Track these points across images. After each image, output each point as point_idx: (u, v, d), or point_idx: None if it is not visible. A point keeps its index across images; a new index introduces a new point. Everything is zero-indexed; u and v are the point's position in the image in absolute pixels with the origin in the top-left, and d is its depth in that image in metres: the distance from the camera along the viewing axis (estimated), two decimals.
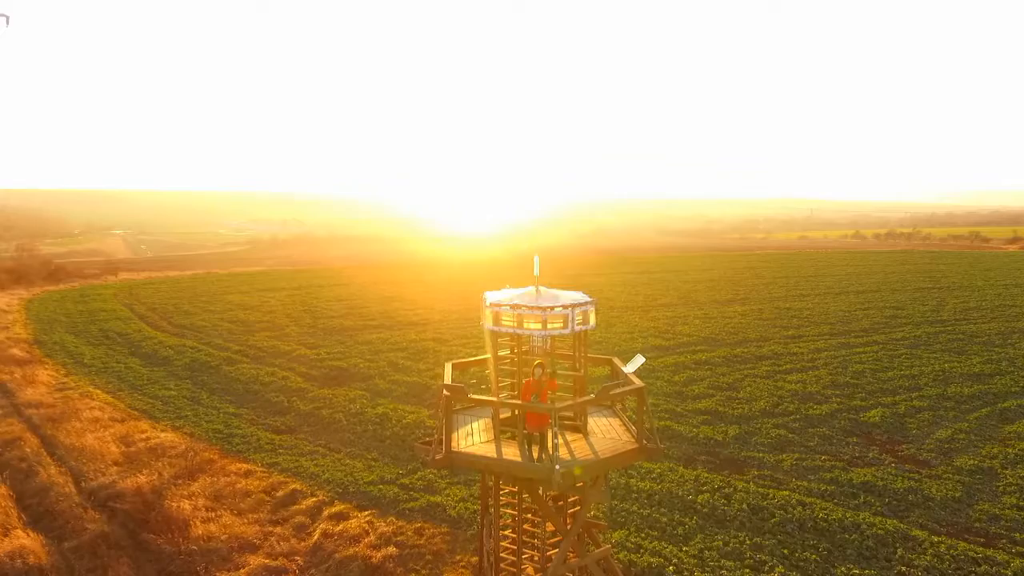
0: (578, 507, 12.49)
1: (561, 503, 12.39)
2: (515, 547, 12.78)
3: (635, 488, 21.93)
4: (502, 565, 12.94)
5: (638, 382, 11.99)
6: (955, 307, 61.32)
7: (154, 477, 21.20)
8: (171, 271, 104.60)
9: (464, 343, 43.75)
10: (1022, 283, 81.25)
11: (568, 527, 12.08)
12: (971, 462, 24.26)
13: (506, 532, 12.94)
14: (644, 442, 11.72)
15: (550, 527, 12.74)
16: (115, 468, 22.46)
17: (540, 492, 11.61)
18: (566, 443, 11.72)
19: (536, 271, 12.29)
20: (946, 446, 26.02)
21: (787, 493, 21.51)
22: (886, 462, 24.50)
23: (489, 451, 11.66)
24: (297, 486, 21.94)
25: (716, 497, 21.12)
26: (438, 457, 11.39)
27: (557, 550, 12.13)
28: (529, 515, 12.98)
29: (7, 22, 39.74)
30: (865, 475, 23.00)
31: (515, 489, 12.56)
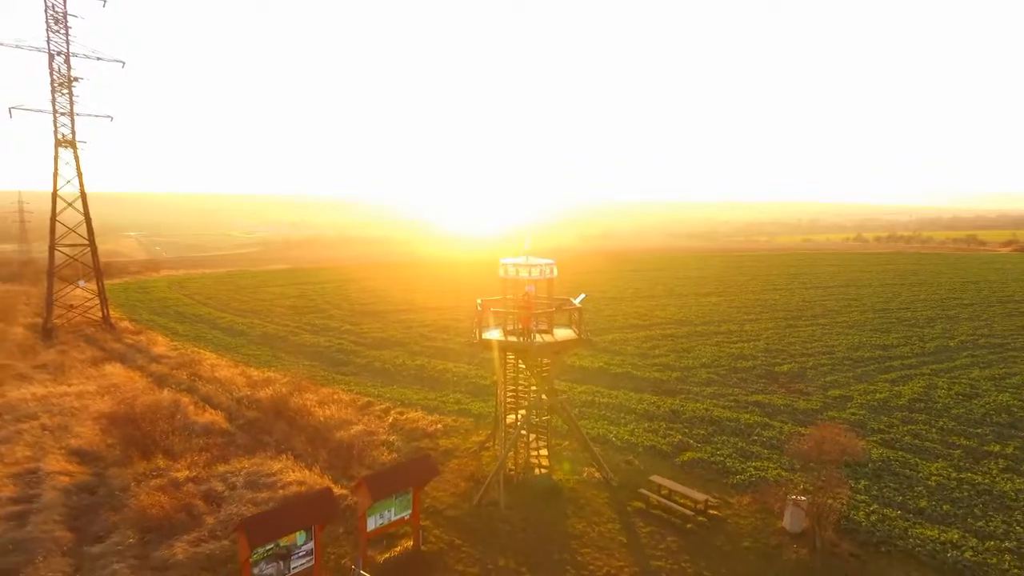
0: (547, 372, 23.93)
1: (538, 370, 23.75)
2: (514, 397, 24.23)
3: (599, 403, 33.37)
4: (508, 407, 24.35)
5: (579, 304, 23.47)
6: (905, 298, 72.37)
7: (276, 391, 32.79)
8: (205, 268, 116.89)
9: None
10: (982, 279, 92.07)
11: (544, 379, 23.50)
12: (838, 392, 35.55)
13: (510, 389, 24.33)
14: (581, 336, 23.16)
15: (533, 388, 24.23)
16: (247, 388, 34.11)
17: (530, 359, 22.99)
18: (541, 337, 23.14)
19: (527, 245, 23.75)
20: (828, 383, 37.29)
21: (698, 405, 32.93)
22: (778, 392, 35.80)
23: (501, 338, 23.11)
24: (370, 399, 33.52)
25: (650, 407, 32.55)
26: (475, 342, 22.85)
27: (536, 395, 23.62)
28: (522, 380, 24.44)
29: (123, 66, 51.00)
30: (758, 398, 34.34)
31: (515, 362, 24.02)
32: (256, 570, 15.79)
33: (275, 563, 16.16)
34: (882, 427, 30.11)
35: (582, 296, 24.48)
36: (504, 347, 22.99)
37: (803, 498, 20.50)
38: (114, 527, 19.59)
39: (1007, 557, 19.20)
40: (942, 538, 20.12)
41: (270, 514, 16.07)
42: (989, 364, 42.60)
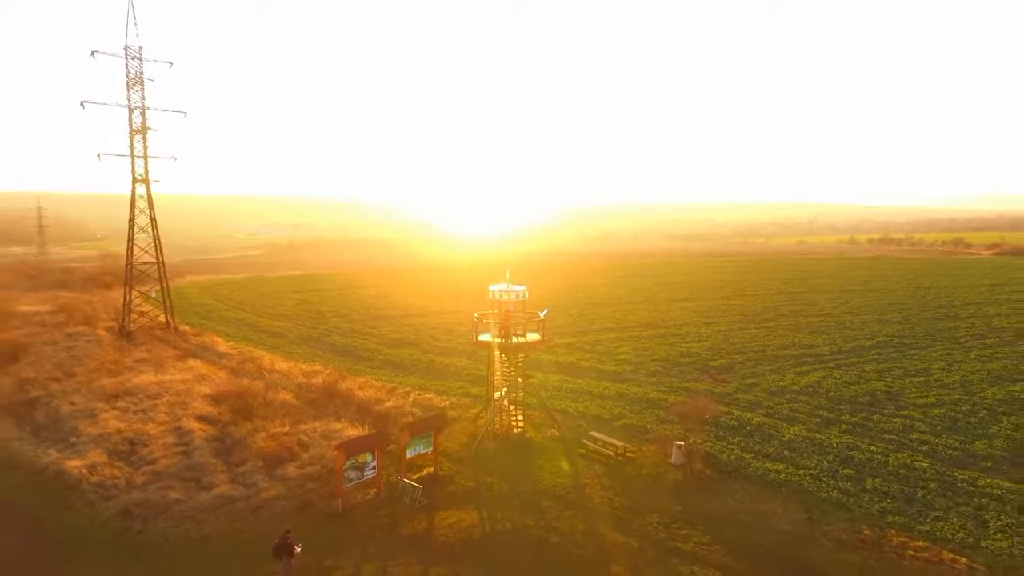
0: (522, 362, 36.26)
1: (516, 360, 36.03)
2: (500, 380, 36.61)
3: (565, 388, 45.74)
4: (495, 387, 36.64)
5: (543, 317, 35.82)
6: (855, 304, 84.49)
7: (325, 379, 45.16)
8: (224, 273, 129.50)
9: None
10: (935, 284, 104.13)
11: (519, 368, 35.83)
12: (752, 380, 47.82)
13: (496, 374, 36.67)
14: (544, 338, 35.49)
15: (513, 373, 36.60)
16: (302, 377, 46.56)
17: (510, 353, 35.32)
18: (517, 339, 35.44)
19: (508, 275, 36.04)
20: (747, 374, 49.55)
21: (639, 389, 45.30)
22: (706, 382, 48.10)
23: (492, 340, 35.42)
24: (394, 385, 45.96)
25: (604, 391, 44.92)
26: (473, 341, 35.14)
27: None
28: (505, 369, 36.80)
29: (184, 115, 62.95)
30: (687, 385, 46.66)
31: (501, 355, 36.35)
32: (346, 474, 28.20)
33: (356, 471, 28.58)
34: (772, 404, 42.38)
35: (546, 310, 36.89)
36: (492, 345, 35.41)
37: (682, 443, 32.86)
38: (246, 459, 32.02)
39: (807, 477, 31.49)
40: (771, 468, 32.42)
41: (354, 440, 28.55)
42: (886, 360, 54.71)
